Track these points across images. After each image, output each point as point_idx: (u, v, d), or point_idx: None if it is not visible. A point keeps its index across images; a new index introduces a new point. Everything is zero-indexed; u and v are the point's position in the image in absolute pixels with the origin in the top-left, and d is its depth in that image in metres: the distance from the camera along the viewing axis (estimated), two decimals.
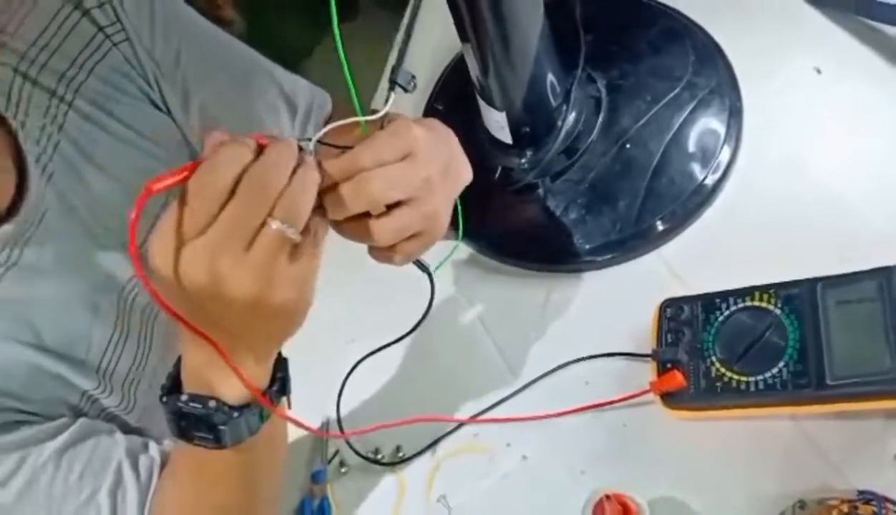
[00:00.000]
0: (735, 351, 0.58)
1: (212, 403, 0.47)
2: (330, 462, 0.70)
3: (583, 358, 0.66)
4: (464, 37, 0.65)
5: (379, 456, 0.69)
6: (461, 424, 0.68)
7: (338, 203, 0.46)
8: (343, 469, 0.69)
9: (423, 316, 0.60)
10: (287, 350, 0.51)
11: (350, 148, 0.47)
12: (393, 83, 0.48)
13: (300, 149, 0.43)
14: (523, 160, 0.73)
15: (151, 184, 0.41)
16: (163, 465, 0.59)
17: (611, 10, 0.80)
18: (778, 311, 0.58)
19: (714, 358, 0.59)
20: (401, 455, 0.68)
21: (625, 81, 0.74)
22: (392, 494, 0.67)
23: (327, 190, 0.46)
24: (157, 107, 0.65)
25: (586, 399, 0.64)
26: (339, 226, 0.48)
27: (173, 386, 0.49)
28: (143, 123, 0.63)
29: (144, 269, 0.42)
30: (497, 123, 0.71)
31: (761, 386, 0.56)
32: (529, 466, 0.64)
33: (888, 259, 0.55)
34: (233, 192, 0.41)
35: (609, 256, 0.70)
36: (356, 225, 0.48)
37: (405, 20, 0.55)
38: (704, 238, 0.68)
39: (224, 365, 0.45)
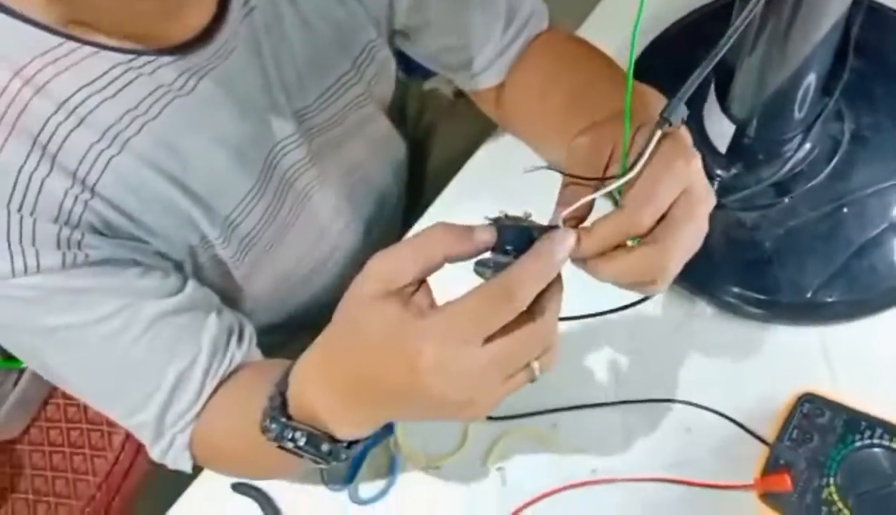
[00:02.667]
0: (856, 485, 0.55)
1: (324, 446, 0.47)
2: None
3: (694, 404, 0.63)
4: None
5: None
6: (545, 412, 0.66)
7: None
8: None
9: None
10: None
11: (591, 180, 0.43)
12: (664, 120, 0.41)
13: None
14: (728, 175, 0.65)
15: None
16: (237, 368, 0.59)
17: (894, 41, 0.68)
18: None
19: (832, 482, 0.55)
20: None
21: (874, 135, 0.65)
22: (452, 447, 0.67)
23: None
24: None
25: (681, 447, 0.62)
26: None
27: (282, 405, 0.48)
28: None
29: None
30: (720, 127, 0.63)
31: None
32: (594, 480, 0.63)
33: None
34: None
35: (769, 312, 0.64)
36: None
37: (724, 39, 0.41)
38: (877, 343, 0.62)
39: (354, 412, 0.46)
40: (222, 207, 0.60)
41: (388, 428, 0.67)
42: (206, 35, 0.52)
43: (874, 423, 0.57)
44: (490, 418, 0.66)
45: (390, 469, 0.67)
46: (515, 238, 0.41)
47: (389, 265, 0.41)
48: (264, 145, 0.61)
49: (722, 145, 0.64)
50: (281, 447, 0.48)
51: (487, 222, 0.42)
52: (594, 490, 0.62)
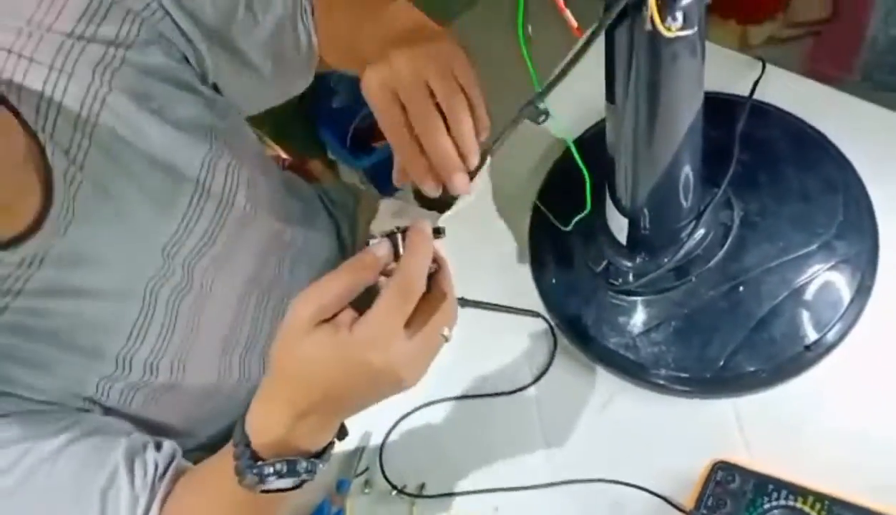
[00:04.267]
0: None
1: (302, 465, 0.52)
2: (356, 477, 0.73)
3: (622, 482, 0.66)
4: (610, 94, 0.60)
5: (402, 487, 0.72)
6: (485, 491, 0.70)
7: None
8: (366, 490, 0.73)
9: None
10: None
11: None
12: (520, 114, 0.50)
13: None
14: (632, 264, 0.71)
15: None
16: (165, 471, 0.61)
17: (776, 134, 0.76)
18: None
19: None
20: (423, 492, 0.71)
21: (762, 219, 0.71)
22: None
23: None
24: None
25: None
26: None
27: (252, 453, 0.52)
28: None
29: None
30: (617, 221, 0.69)
31: None
32: None
33: None
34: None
35: (684, 388, 0.69)
36: None
37: (570, 54, 0.51)
38: (787, 410, 0.66)
39: (319, 427, 0.52)
40: (112, 348, 0.63)
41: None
42: (35, 224, 0.55)
43: (781, 485, 0.60)
44: (433, 496, 0.71)
45: None
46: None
47: (314, 305, 0.48)
48: (137, 282, 0.64)
49: (622, 237, 0.70)
50: (265, 490, 0.52)
51: (379, 238, 0.51)
52: None
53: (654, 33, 0.47)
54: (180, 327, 0.68)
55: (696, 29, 0.49)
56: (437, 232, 0.52)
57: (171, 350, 0.68)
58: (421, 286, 0.49)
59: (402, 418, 0.76)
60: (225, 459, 0.55)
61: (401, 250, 0.51)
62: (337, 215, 0.97)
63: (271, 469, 0.51)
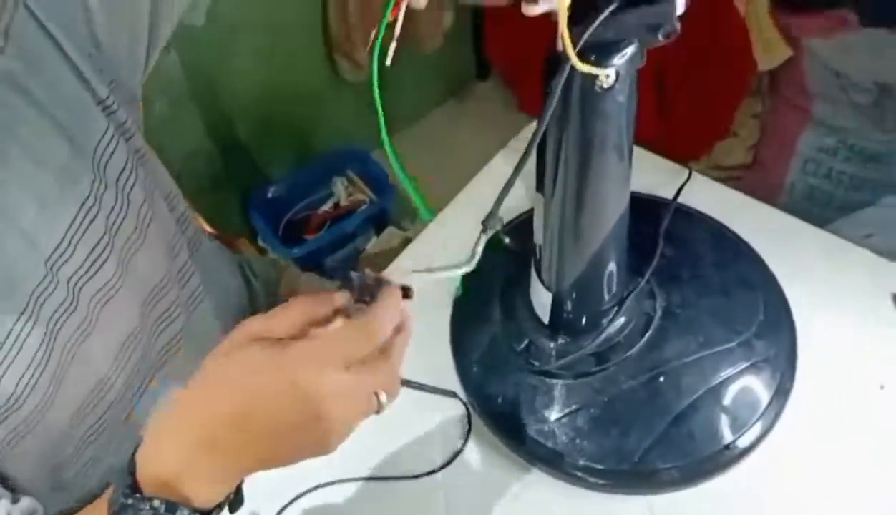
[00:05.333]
0: None
1: (183, 513, 0.44)
2: None
3: None
4: (539, 185, 0.61)
5: None
6: None
7: None
8: None
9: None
10: None
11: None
12: (484, 226, 0.49)
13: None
14: (553, 344, 0.69)
15: None
16: None
17: (698, 235, 0.77)
18: None
19: None
20: None
21: (683, 311, 0.71)
22: None
23: None
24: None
25: None
26: None
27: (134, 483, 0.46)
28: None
29: None
30: (541, 300, 0.68)
31: None
32: None
33: None
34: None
35: (599, 481, 0.65)
36: None
37: (519, 160, 0.49)
38: (702, 511, 0.63)
39: (218, 471, 0.45)
40: None
41: None
42: None
43: None
44: None
45: None
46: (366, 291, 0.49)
47: (261, 324, 0.46)
48: (19, 288, 0.57)
49: (544, 316, 0.68)
50: None
51: (339, 284, 0.49)
52: None
53: (586, 125, 0.48)
54: (57, 351, 0.61)
55: (624, 97, 0.51)
56: (406, 291, 0.49)
57: (44, 377, 0.60)
58: (384, 334, 0.46)
59: (296, 498, 0.69)
60: (99, 506, 0.47)
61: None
62: (256, 285, 0.93)
63: (147, 507, 0.43)
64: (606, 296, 0.67)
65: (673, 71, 1.68)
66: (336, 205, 1.72)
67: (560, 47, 0.44)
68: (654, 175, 0.84)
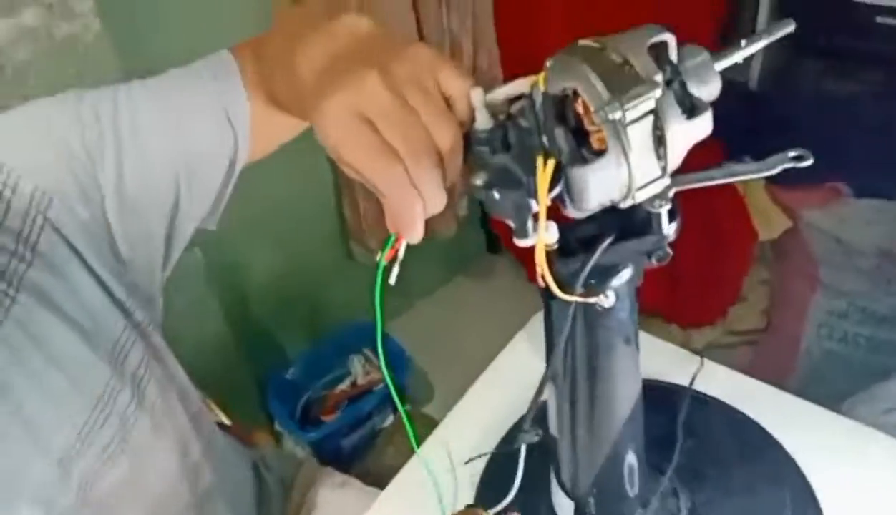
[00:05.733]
0: None
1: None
2: None
3: None
4: (553, 378, 0.60)
5: None
6: None
7: None
8: None
9: None
10: None
11: None
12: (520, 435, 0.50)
13: None
14: None
15: None
16: None
17: (717, 424, 0.76)
18: None
19: None
20: None
21: (708, 510, 0.69)
22: None
23: None
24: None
25: None
26: None
27: None
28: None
29: None
30: (563, 507, 0.66)
31: None
32: None
33: None
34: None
35: None
36: None
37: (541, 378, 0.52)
38: None
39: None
40: None
41: None
42: None
43: None
44: None
45: None
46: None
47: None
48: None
49: None
50: None
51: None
52: None
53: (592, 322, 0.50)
54: None
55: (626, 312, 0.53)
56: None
57: None
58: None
59: None
60: None
61: None
62: (269, 481, 0.92)
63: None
64: (629, 498, 0.66)
65: (678, 245, 1.74)
66: (353, 383, 1.73)
67: (542, 284, 0.45)
68: (665, 363, 0.84)
